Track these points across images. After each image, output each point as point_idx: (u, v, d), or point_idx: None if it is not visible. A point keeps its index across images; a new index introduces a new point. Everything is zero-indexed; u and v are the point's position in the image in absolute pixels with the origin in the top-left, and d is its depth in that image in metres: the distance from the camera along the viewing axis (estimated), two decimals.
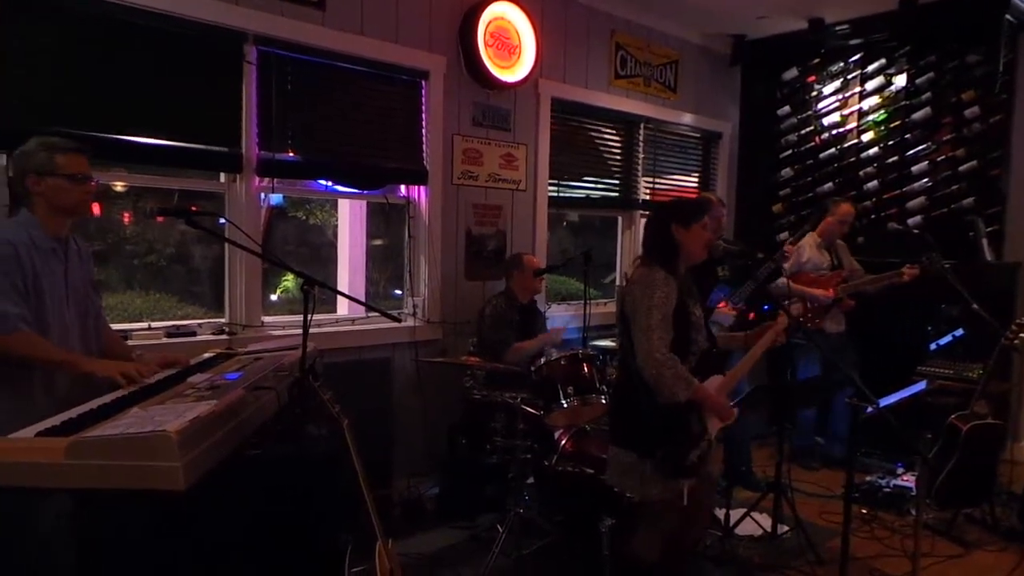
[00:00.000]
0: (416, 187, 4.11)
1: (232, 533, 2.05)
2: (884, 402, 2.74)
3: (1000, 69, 4.88)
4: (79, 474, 1.63)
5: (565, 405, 3.23)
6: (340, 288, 4.27)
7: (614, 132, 5.25)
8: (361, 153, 3.82)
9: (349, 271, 4.51)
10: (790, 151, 5.91)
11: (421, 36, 3.98)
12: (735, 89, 6.07)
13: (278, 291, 5.35)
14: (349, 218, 4.53)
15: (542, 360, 3.36)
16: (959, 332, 4.20)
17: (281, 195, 4.31)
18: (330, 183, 3.81)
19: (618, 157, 5.32)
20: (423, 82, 4.02)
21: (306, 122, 3.60)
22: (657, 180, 5.60)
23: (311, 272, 2.48)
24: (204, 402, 1.91)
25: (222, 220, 3.11)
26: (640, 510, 2.54)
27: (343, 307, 4.20)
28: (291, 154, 3.56)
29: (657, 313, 2.39)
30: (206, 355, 2.82)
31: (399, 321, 2.87)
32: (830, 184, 5.69)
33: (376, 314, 3.98)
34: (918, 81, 5.31)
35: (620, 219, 5.49)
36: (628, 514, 2.67)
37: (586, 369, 3.31)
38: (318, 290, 2.46)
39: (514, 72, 4.32)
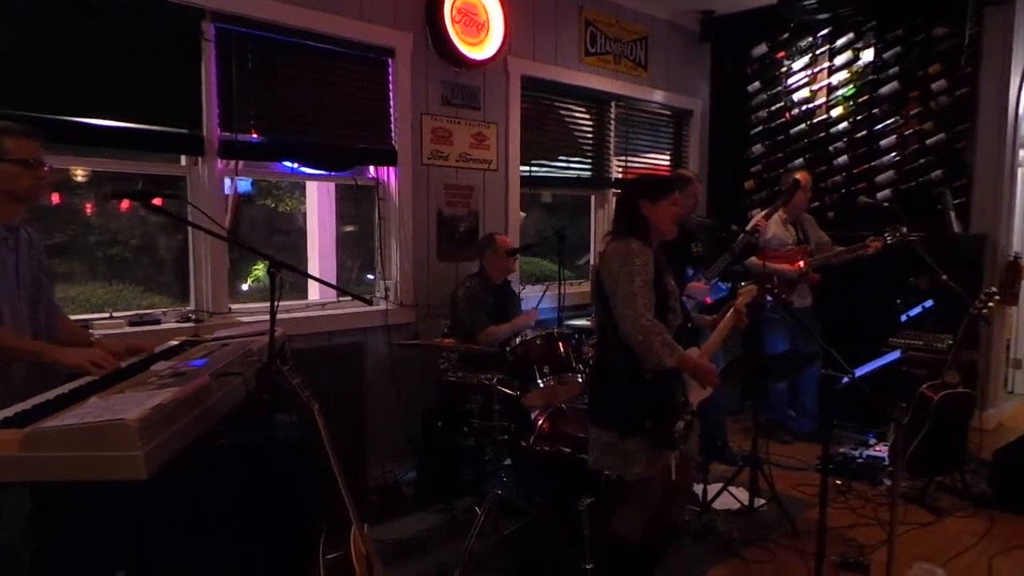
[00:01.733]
0: (385, 168, 4.02)
1: (200, 522, 2.00)
2: (859, 372, 2.74)
3: (966, 42, 4.92)
4: (36, 466, 1.56)
5: (541, 385, 3.20)
6: (312, 273, 4.20)
7: (585, 110, 5.20)
8: (328, 134, 3.72)
9: (319, 256, 4.43)
10: (760, 127, 5.91)
11: (386, 13, 3.89)
12: (705, 66, 6.04)
13: (249, 280, 5.23)
14: (318, 202, 4.45)
15: (517, 340, 3.32)
16: (928, 303, 4.25)
17: (249, 182, 4.20)
18: (297, 165, 3.71)
19: (590, 135, 5.27)
20: (390, 60, 3.93)
21: (269, 102, 3.50)
22: (629, 158, 5.57)
23: (282, 260, 2.41)
24: (167, 389, 1.84)
25: (189, 204, 2.99)
26: (622, 489, 2.52)
27: (314, 292, 4.13)
28: (255, 135, 3.46)
29: (639, 279, 2.37)
30: (171, 343, 2.74)
31: (369, 303, 2.81)
32: (800, 160, 5.71)
33: (347, 298, 3.95)
34: (885, 55, 5.33)
35: (593, 198, 5.46)
36: (608, 493, 2.66)
37: (562, 348, 3.28)
38: (289, 276, 2.39)
39: (483, 49, 4.24)
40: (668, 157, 5.98)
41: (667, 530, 2.77)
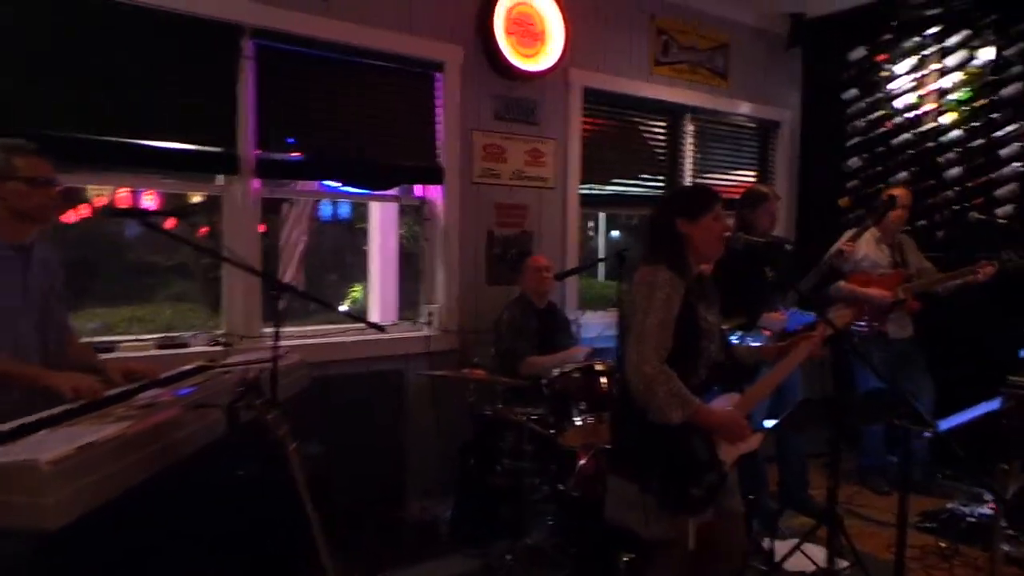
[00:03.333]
0: (432, 187, 3.85)
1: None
2: (947, 424, 2.27)
3: None
4: None
5: (578, 423, 2.90)
6: (372, 297, 4.08)
7: (657, 124, 4.86)
8: (370, 151, 3.60)
9: (380, 278, 4.29)
10: (858, 139, 5.33)
11: (434, 25, 3.74)
12: (795, 73, 5.55)
13: (347, 302, 5.12)
14: (380, 222, 4.32)
15: (556, 372, 3.03)
16: None
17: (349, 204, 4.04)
18: (338, 184, 3.60)
19: (662, 151, 4.92)
20: (437, 74, 3.77)
21: (309, 119, 3.42)
22: (709, 175, 5.17)
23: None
24: (122, 423, 1.70)
25: (201, 225, 2.92)
26: (651, 550, 2.18)
27: (374, 313, 4.00)
28: (293, 154, 3.38)
29: (655, 317, 2.04)
30: (185, 367, 2.64)
31: (382, 330, 2.61)
32: (904, 173, 5.10)
33: (388, 322, 3.79)
34: (1007, 53, 4.67)
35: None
36: (647, 549, 2.31)
37: (604, 383, 2.96)
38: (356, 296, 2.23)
39: (539, 61, 4.01)
40: (753, 173, 5.51)
41: None
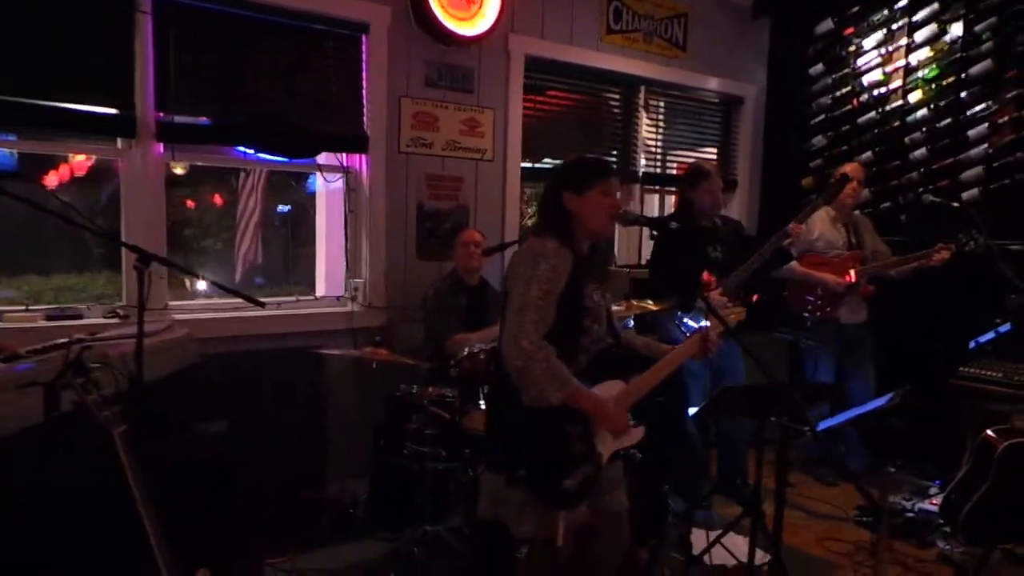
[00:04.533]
0: (357, 156, 3.66)
1: None
2: (824, 425, 2.11)
3: None
4: None
5: (484, 405, 2.74)
6: (319, 269, 3.90)
7: (609, 96, 4.65)
8: (288, 117, 3.41)
9: (326, 250, 4.08)
10: (823, 116, 5.13)
11: None
12: (761, 46, 5.33)
13: None
14: (326, 192, 4.10)
15: (464, 352, 2.87)
16: (1005, 327, 3.43)
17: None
18: (251, 151, 3.41)
19: (616, 125, 4.72)
20: (363, 36, 3.57)
21: (219, 81, 3.22)
22: (670, 152, 4.98)
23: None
24: None
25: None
26: (522, 547, 2.03)
27: (320, 287, 3.83)
28: (200, 117, 3.19)
29: (537, 288, 1.88)
30: (58, 340, 2.48)
31: (262, 305, 2.44)
32: (869, 153, 4.90)
33: (310, 297, 3.63)
34: (977, 28, 4.45)
35: (618, 196, 4.87)
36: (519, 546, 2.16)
37: None
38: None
39: (475, 25, 3.80)
40: (715, 150, 5.32)
41: None
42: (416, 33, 3.71)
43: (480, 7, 3.80)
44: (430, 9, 3.62)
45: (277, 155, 3.47)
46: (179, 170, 4.84)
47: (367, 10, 3.54)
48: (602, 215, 2.04)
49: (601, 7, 4.42)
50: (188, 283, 3.99)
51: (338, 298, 3.71)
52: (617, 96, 4.68)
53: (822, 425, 2.21)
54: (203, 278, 2.80)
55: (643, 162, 4.83)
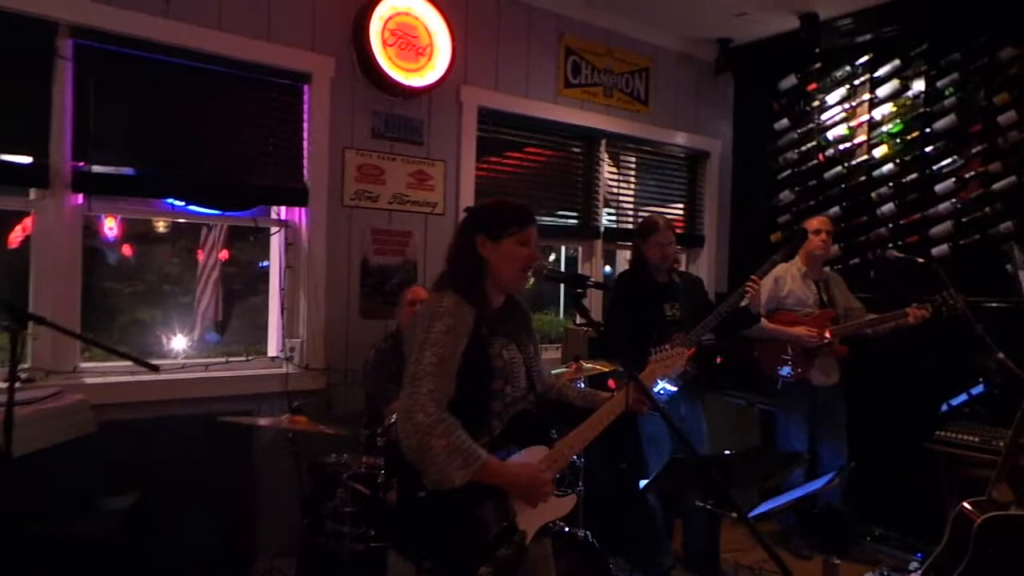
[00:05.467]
0: (296, 209, 3.49)
1: None
2: (759, 510, 1.89)
3: None
4: None
5: None
6: (271, 328, 3.67)
7: (568, 149, 4.54)
8: (220, 168, 3.24)
9: (277, 307, 3.86)
10: (789, 171, 5.04)
11: (301, 33, 3.42)
12: (726, 102, 5.28)
13: None
14: (278, 247, 3.91)
15: (392, 419, 2.64)
16: (978, 388, 3.24)
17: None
18: (182, 203, 3.23)
19: (576, 179, 4.60)
20: (304, 86, 3.44)
21: (145, 130, 3.06)
22: (637, 208, 4.87)
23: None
24: None
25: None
26: None
27: (272, 346, 3.59)
28: (123, 168, 3.01)
29: (431, 354, 1.68)
30: None
31: (155, 369, 2.21)
32: (836, 208, 4.79)
33: (239, 358, 3.40)
34: (939, 83, 4.40)
35: (580, 250, 4.73)
36: None
37: None
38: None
39: (423, 76, 3.69)
40: (682, 206, 5.20)
41: None
42: (362, 84, 3.60)
43: (430, 59, 3.70)
44: (376, 61, 3.51)
45: (208, 207, 3.29)
46: (161, 227, 4.70)
47: (309, 60, 3.42)
48: (516, 266, 1.85)
49: (558, 61, 4.35)
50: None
51: (273, 359, 3.48)
52: (578, 150, 4.58)
53: (755, 511, 1.97)
54: (87, 340, 2.57)
55: (609, 218, 4.70)
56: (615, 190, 4.85)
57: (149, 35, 3.00)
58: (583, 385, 3.11)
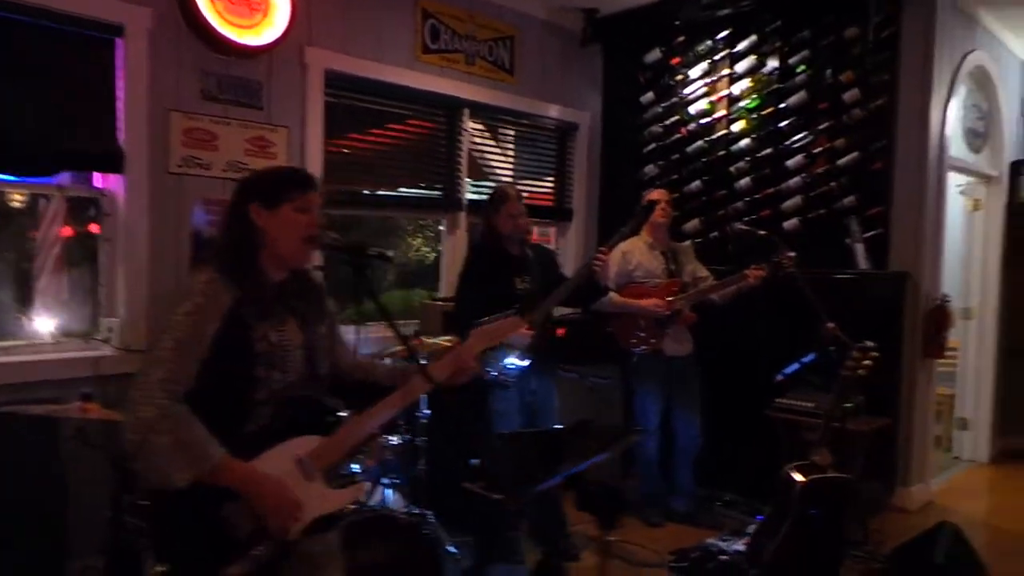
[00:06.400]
0: (112, 176, 3.19)
1: None
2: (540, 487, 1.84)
3: (870, 45, 4.14)
4: None
5: None
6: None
7: (427, 118, 4.38)
8: (17, 129, 2.89)
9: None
10: (654, 144, 5.07)
11: None
12: (595, 74, 5.24)
13: None
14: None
15: None
16: (809, 357, 3.36)
17: None
18: None
19: (438, 148, 4.45)
20: (117, 40, 3.12)
21: None
22: (517, 180, 4.77)
23: None
24: None
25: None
26: None
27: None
28: None
29: (169, 339, 1.51)
30: None
31: None
32: (697, 182, 4.87)
33: (43, 340, 3.09)
34: (791, 60, 4.52)
35: (444, 223, 4.60)
36: None
37: None
38: None
39: (259, 34, 3.43)
40: (552, 179, 5.15)
41: None
42: (188, 40, 3.30)
43: (266, 15, 3.44)
44: (200, 14, 3.22)
45: (5, 172, 2.94)
46: (17, 200, 4.18)
47: (120, 10, 3.09)
48: (295, 236, 1.69)
49: (415, 24, 4.16)
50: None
51: (88, 341, 3.18)
52: (440, 120, 4.42)
53: (543, 485, 1.92)
54: None
55: (483, 190, 4.58)
56: (491, 163, 4.74)
57: None
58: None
